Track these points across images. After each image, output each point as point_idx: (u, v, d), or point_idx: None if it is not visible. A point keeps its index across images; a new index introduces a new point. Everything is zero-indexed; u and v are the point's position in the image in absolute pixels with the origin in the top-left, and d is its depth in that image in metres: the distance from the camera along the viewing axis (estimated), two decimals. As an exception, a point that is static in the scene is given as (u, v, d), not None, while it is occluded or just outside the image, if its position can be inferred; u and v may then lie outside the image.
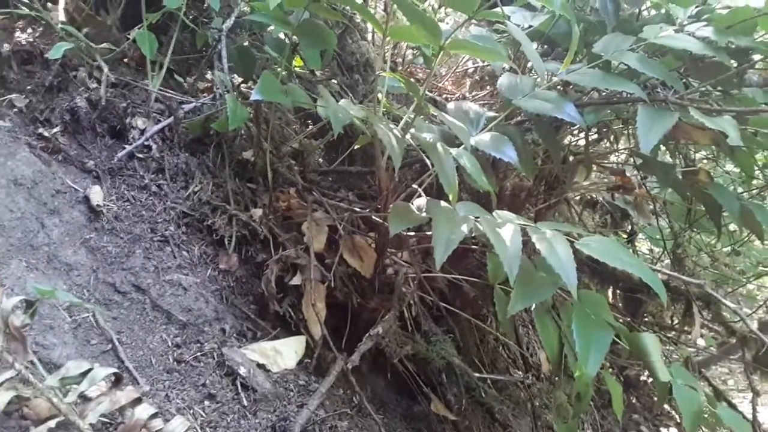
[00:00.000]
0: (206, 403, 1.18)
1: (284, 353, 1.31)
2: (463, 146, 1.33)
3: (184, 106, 1.60)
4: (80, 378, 1.04)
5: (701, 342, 3.02)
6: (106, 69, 1.57)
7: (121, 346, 1.23)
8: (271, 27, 1.67)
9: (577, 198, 2.14)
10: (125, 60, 1.72)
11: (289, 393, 1.27)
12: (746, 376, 2.57)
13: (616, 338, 1.11)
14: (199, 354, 1.28)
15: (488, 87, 2.46)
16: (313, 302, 1.39)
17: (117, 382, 1.07)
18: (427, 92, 1.78)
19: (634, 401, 2.92)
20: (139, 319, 1.32)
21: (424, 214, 1.29)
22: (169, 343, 1.29)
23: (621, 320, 2.48)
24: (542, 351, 1.97)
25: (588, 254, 1.07)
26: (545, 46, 1.66)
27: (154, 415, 1.03)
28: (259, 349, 1.30)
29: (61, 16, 1.64)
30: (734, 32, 1.30)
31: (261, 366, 1.28)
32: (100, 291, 1.32)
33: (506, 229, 1.14)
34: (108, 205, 1.44)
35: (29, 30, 1.65)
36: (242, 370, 1.23)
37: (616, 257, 1.06)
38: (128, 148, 1.52)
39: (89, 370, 1.04)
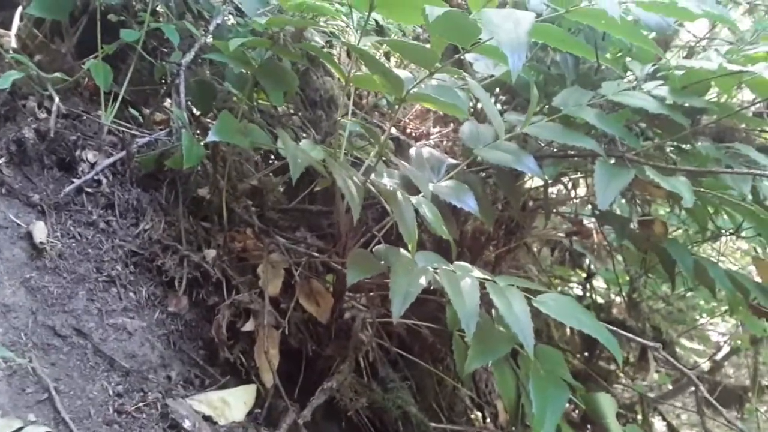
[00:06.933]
0: (147, 459, 1.12)
1: (233, 404, 1.25)
2: (423, 194, 1.32)
3: (138, 139, 1.54)
4: (10, 437, 0.98)
5: (656, 377, 3.07)
6: (57, 99, 1.50)
7: (59, 396, 1.16)
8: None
9: (536, 244, 2.16)
10: (78, 89, 1.66)
11: (236, 449, 1.22)
12: (699, 417, 2.61)
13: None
14: (141, 404, 1.22)
15: (452, 124, 2.48)
16: (266, 349, 1.35)
17: (49, 441, 1.01)
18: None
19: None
20: (79, 365, 1.25)
21: (382, 263, 1.27)
22: (110, 392, 1.23)
23: (577, 358, 2.50)
24: (500, 397, 1.95)
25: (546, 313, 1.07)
26: (506, 95, 1.68)
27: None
28: (206, 400, 1.25)
29: (13, 43, 1.58)
30: (689, 93, 1.34)
31: (207, 418, 1.22)
32: (38, 335, 1.25)
33: (464, 284, 1.13)
34: (52, 242, 1.37)
35: (-23, 54, 1.58)
36: (187, 424, 1.17)
37: (573, 317, 1.06)
38: (77, 182, 1.45)
39: (20, 428, 0.99)
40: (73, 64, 1.64)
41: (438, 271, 1.18)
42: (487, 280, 1.15)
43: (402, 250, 1.29)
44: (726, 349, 3.33)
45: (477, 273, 1.17)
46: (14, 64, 1.49)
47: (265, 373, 1.37)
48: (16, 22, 1.62)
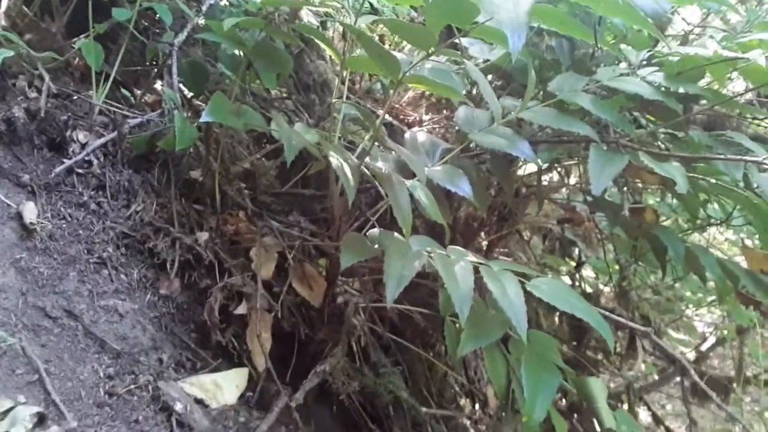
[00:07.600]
0: (138, 441, 1.11)
1: (224, 387, 1.25)
2: (417, 178, 1.32)
3: (129, 120, 1.52)
4: (2, 417, 0.97)
5: (642, 367, 3.10)
6: (47, 78, 1.48)
7: (49, 377, 1.15)
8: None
9: (528, 230, 2.17)
10: (69, 69, 1.63)
11: (228, 431, 1.21)
12: (685, 406, 2.64)
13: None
14: (133, 386, 1.21)
15: (445, 111, 2.47)
16: (258, 332, 1.34)
17: (41, 421, 1.00)
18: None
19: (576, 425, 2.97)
20: (69, 347, 1.24)
21: (376, 246, 1.27)
22: (101, 374, 1.22)
23: (566, 347, 2.52)
24: (490, 384, 1.96)
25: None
26: (501, 81, 1.67)
27: (79, 458, 0.97)
28: (197, 383, 1.24)
29: (3, 21, 1.54)
30: (683, 79, 1.34)
31: (199, 401, 1.22)
32: (28, 316, 1.23)
33: (458, 268, 1.12)
34: (42, 223, 1.36)
35: (-36, 32, 1.55)
36: (178, 406, 1.17)
37: (566, 301, 1.06)
38: (67, 162, 1.43)
39: (11, 408, 0.98)
40: (64, 43, 1.61)
41: (432, 255, 1.18)
42: (481, 264, 1.15)
43: (396, 234, 1.29)
44: (711, 340, 3.36)
45: (471, 257, 1.17)
46: (4, 42, 1.46)
47: (257, 357, 1.37)
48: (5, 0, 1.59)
